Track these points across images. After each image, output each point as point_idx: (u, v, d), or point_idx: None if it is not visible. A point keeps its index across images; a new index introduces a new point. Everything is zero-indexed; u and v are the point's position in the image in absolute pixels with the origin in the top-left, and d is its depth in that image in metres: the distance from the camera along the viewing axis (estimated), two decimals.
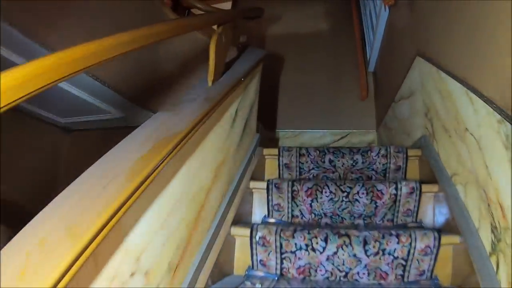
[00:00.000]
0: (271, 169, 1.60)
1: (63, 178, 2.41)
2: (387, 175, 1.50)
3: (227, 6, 3.91)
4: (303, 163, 1.52)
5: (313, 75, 3.12)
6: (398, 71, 2.02)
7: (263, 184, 1.34)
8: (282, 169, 1.55)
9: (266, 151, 1.61)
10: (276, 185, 1.31)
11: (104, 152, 0.68)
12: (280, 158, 1.54)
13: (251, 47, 1.92)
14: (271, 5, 3.59)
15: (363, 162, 1.49)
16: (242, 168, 1.33)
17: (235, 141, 1.25)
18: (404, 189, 1.25)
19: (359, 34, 3.20)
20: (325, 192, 1.26)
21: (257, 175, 1.49)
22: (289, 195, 1.29)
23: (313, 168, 1.51)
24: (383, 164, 1.49)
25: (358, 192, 1.25)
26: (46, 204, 0.51)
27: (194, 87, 1.09)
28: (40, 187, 1.81)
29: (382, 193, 1.25)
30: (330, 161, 1.50)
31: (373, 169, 1.50)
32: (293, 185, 1.29)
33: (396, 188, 1.25)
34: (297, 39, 3.36)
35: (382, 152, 1.48)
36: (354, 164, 1.49)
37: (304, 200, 1.27)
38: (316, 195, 1.26)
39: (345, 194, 1.25)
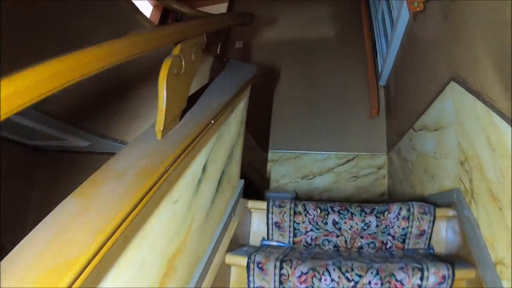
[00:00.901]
0: (258, 225, 1.25)
1: (35, 203, 2.08)
2: (407, 241, 1.14)
3: (223, 9, 3.56)
4: (298, 223, 1.17)
5: (315, 88, 2.76)
6: (421, 93, 1.65)
7: (243, 260, 1.00)
8: (272, 229, 1.20)
9: (251, 203, 1.26)
10: (260, 265, 0.96)
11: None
12: (269, 215, 1.19)
13: (237, 61, 1.56)
14: (270, 8, 3.23)
15: (377, 226, 1.13)
16: (216, 238, 0.99)
17: (202, 209, 0.90)
18: (432, 278, 0.90)
19: (369, 42, 2.83)
20: (325, 280, 0.91)
21: (239, 239, 1.15)
22: (276, 278, 0.95)
23: (311, 230, 1.16)
24: (402, 228, 1.13)
25: (370, 283, 0.90)
26: None
27: (133, 144, 0.74)
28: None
29: (402, 284, 0.90)
30: (335, 223, 1.14)
31: (389, 234, 1.14)
32: (281, 267, 0.94)
33: (421, 278, 0.90)
34: (298, 46, 2.99)
35: (403, 213, 1.13)
36: (365, 227, 1.13)
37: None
38: (313, 282, 0.92)
39: (352, 284, 0.90)
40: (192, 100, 0.94)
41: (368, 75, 2.65)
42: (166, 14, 3.75)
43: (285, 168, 2.56)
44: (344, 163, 2.51)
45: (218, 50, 2.89)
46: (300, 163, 2.55)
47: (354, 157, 2.51)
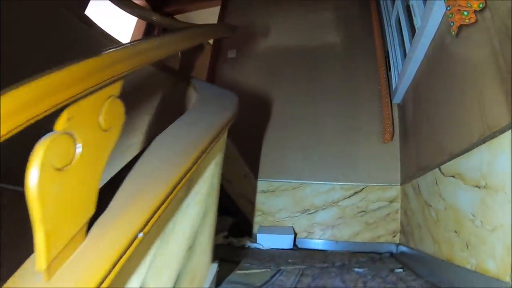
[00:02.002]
0: None
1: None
2: None
3: (215, 11, 3.20)
4: None
5: (318, 105, 2.40)
6: (455, 128, 1.29)
7: None
8: None
9: None
10: None
11: None
12: None
13: (212, 89, 1.21)
14: (268, 11, 2.86)
15: None
16: None
17: None
18: None
19: (381, 52, 2.46)
20: None
21: None
22: None
23: None
24: None
25: None
26: None
27: None
28: None
29: None
30: None
31: None
32: None
33: None
34: (299, 55, 2.62)
35: None
36: None
37: None
38: None
39: None
40: (115, 184, 0.59)
41: (380, 92, 2.29)
42: (152, 24, 3.40)
43: (282, 201, 2.21)
44: (351, 196, 2.16)
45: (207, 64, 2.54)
46: (300, 195, 2.19)
47: (363, 189, 2.15)
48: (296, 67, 2.57)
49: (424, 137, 1.72)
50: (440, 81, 1.51)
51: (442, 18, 1.41)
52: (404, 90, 2.13)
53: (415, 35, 1.81)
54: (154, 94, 1.34)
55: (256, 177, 2.27)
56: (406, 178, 2.02)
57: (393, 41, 2.48)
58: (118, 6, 1.65)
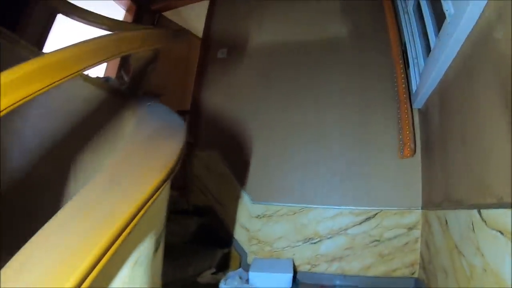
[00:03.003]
0: None
1: None
2: None
3: (203, 10, 2.84)
4: None
5: (322, 112, 2.04)
6: None
7: None
8: None
9: None
10: None
11: None
12: None
13: (151, 127, 0.89)
14: (263, 1, 2.48)
15: None
16: None
17: None
18: None
19: (397, 45, 2.04)
20: None
21: None
22: None
23: None
24: None
25: None
26: None
27: None
28: None
29: None
30: None
31: None
32: None
33: None
34: (299, 52, 2.25)
35: None
36: None
37: None
38: None
39: None
40: None
41: (398, 95, 1.90)
42: (139, 18, 3.09)
43: (281, 227, 1.90)
44: (362, 222, 1.82)
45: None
46: (301, 221, 1.88)
47: (376, 214, 1.81)
48: (296, 66, 2.21)
49: (457, 162, 1.34)
50: (483, 90, 1.12)
51: (488, 3, 1.02)
52: (428, 94, 1.73)
53: (444, 26, 1.41)
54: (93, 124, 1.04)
55: (251, 200, 1.97)
56: (429, 203, 1.66)
57: (412, 32, 2.06)
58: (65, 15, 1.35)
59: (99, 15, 1.28)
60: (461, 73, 1.32)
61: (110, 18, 1.36)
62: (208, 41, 2.59)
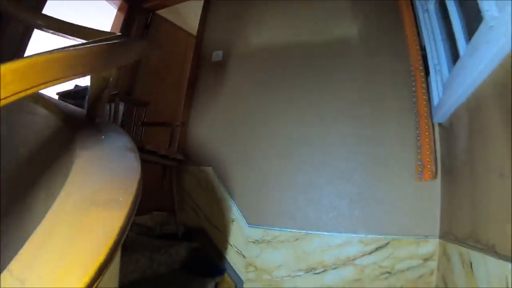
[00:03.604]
0: None
1: None
2: None
3: (198, 10, 2.59)
4: None
5: (328, 126, 1.81)
6: None
7: None
8: None
9: None
10: None
11: None
12: None
13: (97, 166, 0.68)
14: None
15: None
16: None
17: None
18: None
19: (416, 50, 1.80)
20: None
21: None
22: None
23: None
24: None
25: None
26: None
27: None
28: None
29: None
30: None
31: None
32: None
33: None
34: (302, 54, 2.01)
35: None
36: None
37: None
38: None
39: None
40: None
41: (417, 108, 1.66)
42: (131, 18, 2.85)
43: (281, 254, 1.70)
44: (372, 252, 1.61)
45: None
46: (304, 249, 1.68)
47: (388, 243, 1.60)
48: (299, 71, 1.97)
49: (491, 199, 1.12)
50: None
51: None
52: (453, 108, 1.50)
53: (480, 30, 1.16)
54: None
55: (248, 223, 1.77)
56: (450, 234, 1.45)
57: (433, 34, 1.81)
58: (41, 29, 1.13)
59: (80, 26, 1.05)
60: (505, 90, 1.08)
61: (93, 29, 1.13)
62: (200, 42, 2.35)
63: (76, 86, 2.04)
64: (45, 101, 0.84)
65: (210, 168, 1.98)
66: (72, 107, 1.00)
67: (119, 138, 0.76)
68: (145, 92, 2.83)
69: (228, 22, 2.32)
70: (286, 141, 1.83)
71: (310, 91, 1.89)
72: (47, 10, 4.07)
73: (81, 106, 1.87)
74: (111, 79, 0.82)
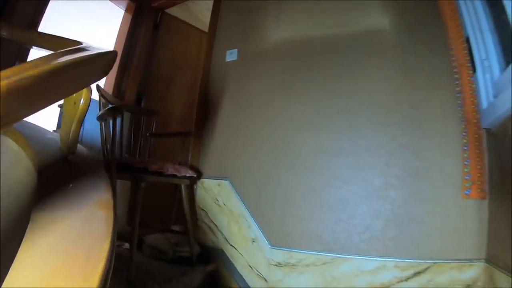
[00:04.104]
0: None
1: None
2: None
3: (210, 6, 2.41)
4: None
5: (358, 133, 1.61)
6: None
7: None
8: None
9: None
10: None
11: None
12: None
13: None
14: None
15: None
16: None
17: None
18: None
19: (461, 43, 1.55)
20: None
21: None
22: None
23: None
24: None
25: None
26: None
27: None
28: None
29: None
30: None
31: None
32: None
33: None
34: (326, 49, 1.79)
35: None
36: None
37: None
38: None
39: None
40: None
41: (464, 111, 1.43)
42: (139, 18, 2.70)
43: (307, 280, 1.55)
44: (409, 278, 1.42)
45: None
46: (332, 273, 1.51)
47: (428, 267, 1.40)
48: (324, 70, 1.76)
49: None
50: None
51: None
52: (509, 113, 1.26)
53: None
54: None
55: (270, 243, 1.62)
56: (498, 260, 1.23)
57: (478, 23, 1.55)
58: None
59: (70, 40, 0.90)
60: None
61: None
62: (212, 39, 2.17)
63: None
64: (15, 132, 0.69)
65: (227, 181, 1.83)
66: (49, 134, 0.86)
67: (93, 187, 0.62)
68: (156, 98, 2.70)
69: (242, 16, 2.12)
70: (312, 152, 1.64)
71: (338, 93, 1.68)
72: (57, 16, 4.00)
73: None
74: (87, 102, 0.67)
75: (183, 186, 1.60)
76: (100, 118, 1.39)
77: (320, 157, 1.61)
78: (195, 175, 1.66)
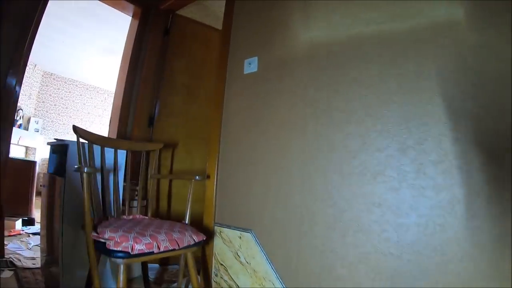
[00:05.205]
0: None
1: None
2: None
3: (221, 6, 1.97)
4: None
5: (424, 168, 1.08)
6: None
7: None
8: None
9: None
10: None
11: None
12: None
13: None
14: None
15: None
16: None
17: None
18: None
19: None
20: None
21: None
22: None
23: None
24: None
25: None
26: None
27: None
28: None
29: None
30: None
31: None
32: None
33: None
34: (378, 53, 1.26)
35: None
36: None
37: None
38: None
39: None
40: None
41: None
42: (148, 23, 2.37)
43: None
44: None
45: None
46: None
47: None
48: (375, 81, 1.25)
49: None
50: None
51: None
52: None
53: None
54: None
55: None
56: None
57: None
58: None
59: None
60: None
61: None
62: (227, 45, 1.74)
63: (56, 139, 1.64)
64: None
65: (249, 233, 1.43)
66: None
67: None
68: (173, 113, 2.37)
69: (262, 15, 1.67)
70: (367, 206, 1.16)
71: (403, 119, 1.17)
72: (69, 23, 3.89)
73: (63, 162, 1.47)
74: None
75: (189, 255, 1.23)
76: (79, 169, 1.07)
77: (375, 212, 1.13)
78: (203, 238, 1.26)
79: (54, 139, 1.64)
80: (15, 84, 1.88)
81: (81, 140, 1.37)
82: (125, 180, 1.70)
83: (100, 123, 6.52)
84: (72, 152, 1.44)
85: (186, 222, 1.44)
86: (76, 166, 1.06)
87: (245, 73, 1.64)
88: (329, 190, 1.25)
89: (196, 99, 2.48)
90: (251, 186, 1.49)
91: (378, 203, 1.14)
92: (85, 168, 1.03)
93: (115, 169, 1.50)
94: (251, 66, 1.62)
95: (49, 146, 1.74)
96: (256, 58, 1.61)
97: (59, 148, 1.56)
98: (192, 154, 2.41)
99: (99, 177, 1.50)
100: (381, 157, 1.16)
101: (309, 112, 1.35)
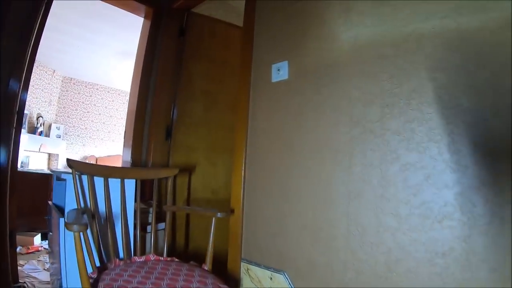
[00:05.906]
0: None
1: None
2: None
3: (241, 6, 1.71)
4: None
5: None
6: None
7: None
8: None
9: None
10: None
11: None
12: None
13: None
14: None
15: None
16: None
17: None
18: None
19: None
20: None
21: None
22: None
23: None
24: None
25: None
26: None
27: None
28: None
29: None
30: None
31: None
32: None
33: None
34: (440, 58, 0.95)
35: None
36: None
37: None
38: None
39: None
40: None
41: None
42: (162, 23, 2.17)
43: None
44: None
45: None
46: None
47: None
48: (438, 93, 0.95)
49: None
50: None
51: None
52: None
53: None
54: None
55: None
56: None
57: None
58: None
59: None
60: None
61: None
62: (250, 46, 1.49)
63: (53, 171, 1.46)
64: None
65: (282, 275, 1.19)
66: None
67: None
68: (192, 122, 2.15)
69: (290, 6, 1.39)
70: (427, 250, 0.89)
71: (465, 133, 0.87)
72: (85, 28, 3.78)
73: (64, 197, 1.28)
74: None
75: None
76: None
77: (438, 264, 0.85)
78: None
79: (51, 170, 1.47)
80: (20, 89, 1.70)
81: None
82: (135, 203, 1.49)
83: (123, 126, 6.49)
84: (71, 190, 1.23)
85: (207, 267, 1.22)
86: (66, 221, 0.86)
87: (273, 81, 1.38)
88: (381, 234, 0.98)
89: (218, 105, 2.25)
90: (284, 221, 1.24)
91: (442, 253, 0.86)
92: (75, 227, 0.82)
93: (123, 202, 1.30)
94: (280, 72, 1.35)
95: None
96: (286, 63, 1.34)
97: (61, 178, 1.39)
98: (216, 168, 2.19)
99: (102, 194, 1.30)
100: (449, 195, 0.87)
101: (356, 134, 1.07)
